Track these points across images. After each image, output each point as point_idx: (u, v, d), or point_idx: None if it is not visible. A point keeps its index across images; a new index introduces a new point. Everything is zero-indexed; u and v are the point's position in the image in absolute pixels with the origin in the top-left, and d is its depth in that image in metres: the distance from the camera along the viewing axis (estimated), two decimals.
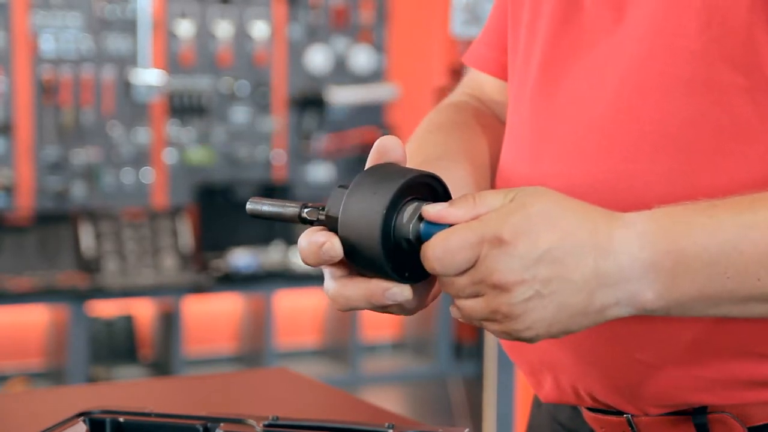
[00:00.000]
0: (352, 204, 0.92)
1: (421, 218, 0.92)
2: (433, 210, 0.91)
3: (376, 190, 0.92)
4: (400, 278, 0.93)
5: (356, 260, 0.93)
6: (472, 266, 0.89)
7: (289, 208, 0.97)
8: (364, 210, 0.91)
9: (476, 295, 0.90)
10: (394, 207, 0.92)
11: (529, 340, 0.92)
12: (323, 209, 0.96)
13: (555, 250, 0.88)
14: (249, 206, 0.99)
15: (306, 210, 0.96)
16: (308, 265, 0.95)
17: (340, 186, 0.95)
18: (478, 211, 0.91)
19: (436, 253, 0.89)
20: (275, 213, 0.98)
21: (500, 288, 0.88)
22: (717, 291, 0.90)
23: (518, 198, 0.90)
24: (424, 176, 0.94)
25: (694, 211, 0.90)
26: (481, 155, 1.16)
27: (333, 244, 0.91)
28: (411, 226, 0.92)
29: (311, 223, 0.95)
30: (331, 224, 0.94)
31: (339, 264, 0.93)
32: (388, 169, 0.94)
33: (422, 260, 0.91)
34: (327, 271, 0.95)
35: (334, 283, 0.94)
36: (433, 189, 0.95)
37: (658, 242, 0.89)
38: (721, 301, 0.90)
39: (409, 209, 0.93)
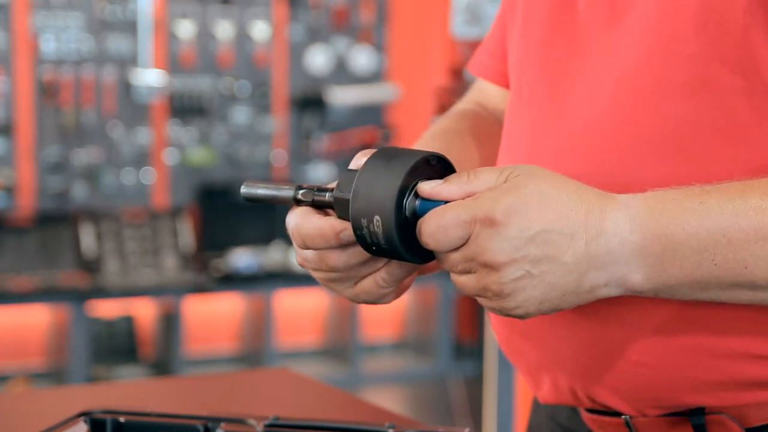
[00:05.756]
0: (363, 186, 0.93)
1: (417, 195, 0.94)
2: (427, 186, 0.93)
3: (386, 172, 0.92)
4: (413, 259, 0.94)
5: (368, 244, 0.94)
6: (464, 244, 0.91)
7: (284, 190, 0.98)
8: (376, 191, 0.92)
9: (468, 272, 0.92)
10: (406, 188, 0.93)
11: (520, 317, 0.93)
12: (318, 190, 0.97)
13: (547, 232, 0.89)
14: (244, 190, 1.00)
15: (301, 191, 0.97)
16: (314, 248, 0.96)
17: (349, 170, 0.96)
18: (472, 188, 0.92)
19: (429, 228, 0.91)
20: (270, 196, 0.99)
21: (490, 267, 0.90)
22: (704, 276, 0.91)
23: (512, 178, 0.92)
24: (432, 157, 0.95)
25: (687, 196, 0.91)
26: (469, 163, 1.17)
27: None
28: (407, 202, 0.93)
29: (309, 204, 0.96)
30: (339, 206, 0.95)
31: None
32: (396, 152, 0.95)
33: (417, 235, 0.92)
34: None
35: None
36: (442, 169, 0.96)
37: (648, 226, 0.90)
38: (708, 286, 0.91)
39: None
